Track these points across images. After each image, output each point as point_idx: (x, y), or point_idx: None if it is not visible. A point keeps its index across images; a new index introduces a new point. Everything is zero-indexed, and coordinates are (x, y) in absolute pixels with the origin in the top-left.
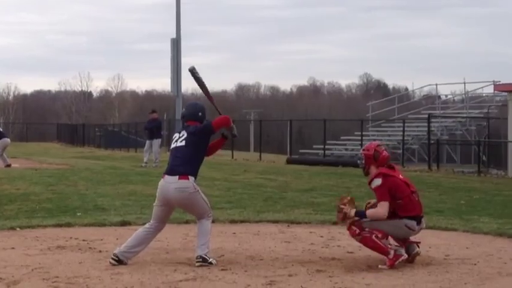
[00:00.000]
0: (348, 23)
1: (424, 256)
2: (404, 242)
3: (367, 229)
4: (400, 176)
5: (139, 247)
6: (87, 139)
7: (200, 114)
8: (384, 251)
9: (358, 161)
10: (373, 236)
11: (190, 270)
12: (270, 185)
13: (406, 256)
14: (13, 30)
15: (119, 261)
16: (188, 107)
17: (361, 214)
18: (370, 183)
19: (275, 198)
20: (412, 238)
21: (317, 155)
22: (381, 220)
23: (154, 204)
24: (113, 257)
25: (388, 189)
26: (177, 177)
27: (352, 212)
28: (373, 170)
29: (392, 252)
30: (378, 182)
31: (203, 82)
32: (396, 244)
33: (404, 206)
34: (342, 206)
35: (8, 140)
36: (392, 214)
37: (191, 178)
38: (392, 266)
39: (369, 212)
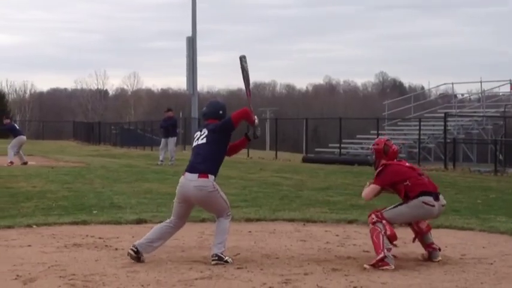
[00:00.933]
0: (364, 21)
1: (440, 255)
2: (428, 246)
3: (384, 221)
4: (406, 164)
5: (158, 242)
6: (103, 137)
7: (221, 112)
8: (377, 250)
9: (369, 156)
10: (382, 233)
11: (206, 268)
12: (285, 184)
13: (393, 268)
14: (30, 28)
15: (137, 252)
16: (209, 106)
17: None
18: (377, 174)
19: (291, 197)
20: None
21: (333, 154)
22: (364, 198)
23: (174, 200)
24: (132, 248)
25: (389, 175)
26: (197, 175)
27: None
28: (383, 163)
29: (382, 255)
30: (380, 171)
31: (248, 74)
32: (394, 255)
33: (414, 185)
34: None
35: (24, 137)
36: (406, 198)
37: (211, 177)
38: (374, 266)
39: (364, 192)
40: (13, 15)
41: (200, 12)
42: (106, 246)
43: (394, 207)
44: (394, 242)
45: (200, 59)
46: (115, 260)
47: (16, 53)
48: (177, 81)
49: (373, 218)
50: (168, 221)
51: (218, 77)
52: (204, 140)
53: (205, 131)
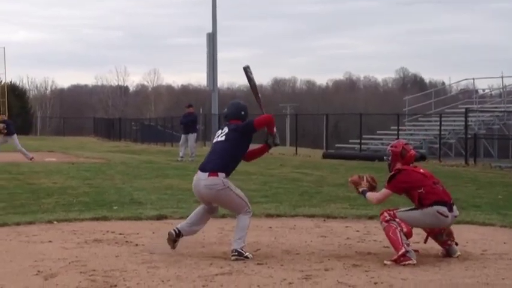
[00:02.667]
0: (384, 17)
1: (461, 251)
2: (444, 243)
3: (397, 219)
4: (421, 170)
5: (198, 226)
6: (124, 133)
7: (243, 113)
8: (397, 246)
9: (385, 157)
10: (398, 229)
11: (226, 264)
12: (306, 180)
13: (415, 263)
14: (51, 25)
15: (178, 235)
16: (230, 107)
17: (363, 192)
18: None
19: (311, 193)
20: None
21: (353, 150)
22: (374, 204)
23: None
24: (174, 229)
25: (402, 182)
26: (207, 174)
27: (362, 187)
28: (398, 167)
29: (403, 250)
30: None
31: (254, 82)
32: (414, 249)
33: (428, 193)
34: (362, 177)
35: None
36: (420, 205)
37: (221, 175)
38: (396, 262)
39: (368, 194)
40: (35, 12)
41: (220, 8)
42: (126, 242)
43: (408, 210)
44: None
45: (220, 55)
46: (135, 256)
47: (37, 49)
48: (198, 78)
49: (385, 216)
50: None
51: (238, 73)
52: (223, 138)
53: (225, 129)
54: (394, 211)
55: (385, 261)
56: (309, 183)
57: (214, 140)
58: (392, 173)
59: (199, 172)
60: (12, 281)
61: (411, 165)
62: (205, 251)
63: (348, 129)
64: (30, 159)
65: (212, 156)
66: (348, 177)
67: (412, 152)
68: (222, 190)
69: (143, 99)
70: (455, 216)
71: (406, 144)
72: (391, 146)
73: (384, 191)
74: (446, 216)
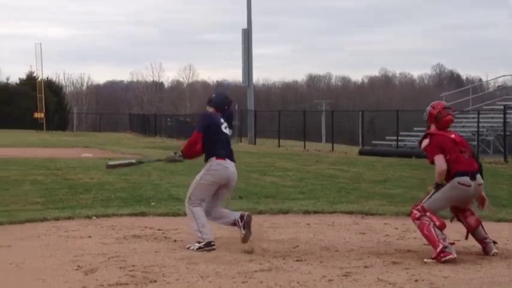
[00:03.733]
0: (420, 13)
1: (502, 249)
2: (481, 241)
3: (427, 214)
4: (452, 136)
5: (225, 218)
6: (159, 129)
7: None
8: (434, 243)
9: (424, 114)
10: (431, 225)
11: (265, 260)
12: (342, 176)
13: (455, 256)
14: (87, 21)
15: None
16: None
17: (436, 184)
18: (420, 142)
19: (348, 189)
20: (484, 236)
21: (390, 146)
22: (442, 173)
23: (208, 183)
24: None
25: (436, 146)
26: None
27: (431, 187)
28: (431, 131)
29: (441, 246)
30: (425, 142)
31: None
32: (450, 242)
33: (451, 162)
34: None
35: None
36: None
37: None
38: (437, 260)
39: (436, 175)
40: (71, 8)
41: (256, 4)
42: (165, 237)
43: (430, 196)
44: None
45: (256, 51)
46: (174, 252)
47: (73, 46)
48: (233, 74)
49: (415, 214)
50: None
51: (273, 69)
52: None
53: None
54: (421, 204)
55: (425, 260)
56: (346, 180)
57: (225, 130)
58: (424, 135)
59: (228, 161)
60: (52, 276)
61: (447, 130)
62: (243, 247)
63: (384, 126)
64: None
65: (230, 148)
66: (385, 173)
67: (449, 117)
68: None
69: (178, 95)
70: (480, 185)
71: (446, 107)
72: (431, 106)
73: (436, 158)
74: (469, 186)
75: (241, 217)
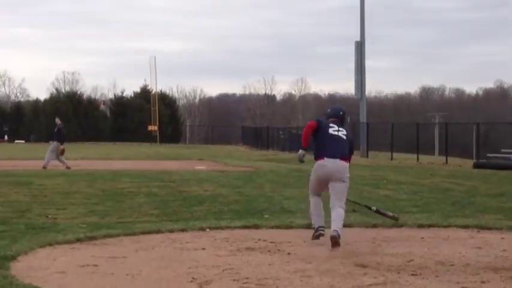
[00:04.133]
0: None
1: None
2: None
3: None
4: None
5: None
6: (271, 142)
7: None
8: None
9: None
10: None
11: (380, 274)
12: (457, 189)
13: None
14: (199, 35)
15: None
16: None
17: None
18: None
19: (463, 203)
20: None
21: (506, 159)
22: None
23: (313, 178)
24: (321, 231)
25: None
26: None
27: None
28: None
29: None
30: None
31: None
32: None
33: None
34: None
35: (57, 143)
36: None
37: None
38: None
39: None
40: (183, 22)
41: (369, 16)
42: (278, 250)
43: None
44: None
45: (368, 63)
46: (288, 264)
47: (186, 59)
48: (345, 86)
49: None
50: (317, 197)
51: (385, 81)
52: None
53: (336, 126)
54: None
55: None
56: (461, 193)
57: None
58: None
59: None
60: (168, 287)
61: None
62: (358, 261)
63: (500, 139)
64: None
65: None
66: (502, 187)
67: None
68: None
69: (290, 107)
70: None
71: None
72: None
73: None
74: None
75: (317, 228)
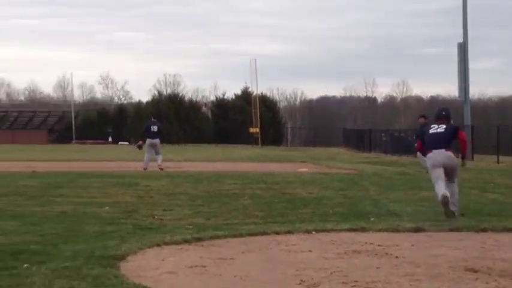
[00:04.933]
0: None
1: None
2: None
3: None
4: None
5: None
6: (374, 145)
7: (444, 113)
8: None
9: None
10: None
11: (492, 279)
12: None
13: None
14: (299, 37)
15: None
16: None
17: None
18: None
19: None
20: None
21: None
22: None
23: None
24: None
25: None
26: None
27: None
28: None
29: None
30: None
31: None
32: None
33: None
34: None
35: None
36: None
37: None
38: None
39: None
40: (283, 24)
41: (472, 17)
42: (386, 253)
43: None
44: None
45: (472, 65)
46: (396, 268)
47: (286, 61)
48: (447, 88)
49: None
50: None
51: (488, 83)
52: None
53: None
54: None
55: None
56: None
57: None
58: None
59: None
60: None
61: None
62: (468, 266)
63: None
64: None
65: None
66: None
67: None
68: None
69: (392, 110)
70: None
71: None
72: None
73: None
74: None
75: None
